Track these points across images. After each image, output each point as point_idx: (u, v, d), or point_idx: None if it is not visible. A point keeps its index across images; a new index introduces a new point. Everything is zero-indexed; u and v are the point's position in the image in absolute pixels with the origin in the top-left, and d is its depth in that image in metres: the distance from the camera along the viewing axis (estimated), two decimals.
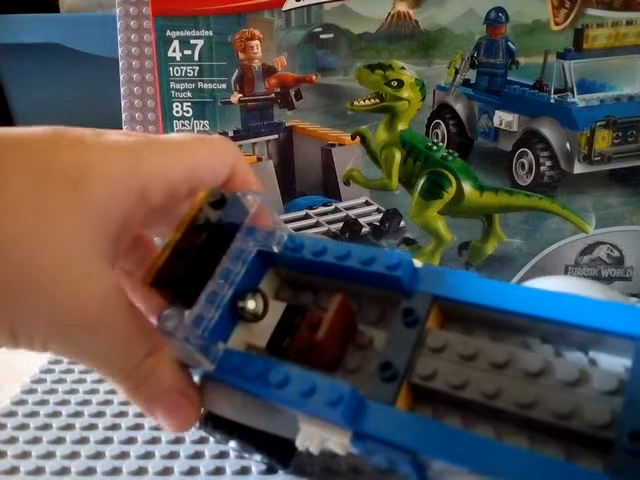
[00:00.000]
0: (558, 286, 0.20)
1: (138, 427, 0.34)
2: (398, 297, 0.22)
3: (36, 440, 0.33)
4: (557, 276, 0.46)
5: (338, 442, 0.20)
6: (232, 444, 0.29)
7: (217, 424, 0.26)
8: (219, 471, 0.30)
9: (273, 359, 0.23)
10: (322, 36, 0.46)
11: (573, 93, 0.45)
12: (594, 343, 0.19)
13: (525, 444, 0.18)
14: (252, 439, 0.26)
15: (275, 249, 0.24)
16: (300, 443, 0.21)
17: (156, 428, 0.33)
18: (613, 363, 0.19)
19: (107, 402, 0.36)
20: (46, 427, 0.34)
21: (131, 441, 0.33)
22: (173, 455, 0.31)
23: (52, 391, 0.37)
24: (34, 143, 0.20)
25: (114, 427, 0.34)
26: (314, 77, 0.47)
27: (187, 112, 0.47)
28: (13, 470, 0.31)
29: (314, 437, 0.20)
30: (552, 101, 0.46)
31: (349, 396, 0.19)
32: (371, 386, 0.20)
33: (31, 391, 0.37)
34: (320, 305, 0.25)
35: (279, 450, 0.27)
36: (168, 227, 0.23)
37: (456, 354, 0.20)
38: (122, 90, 0.48)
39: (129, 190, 0.22)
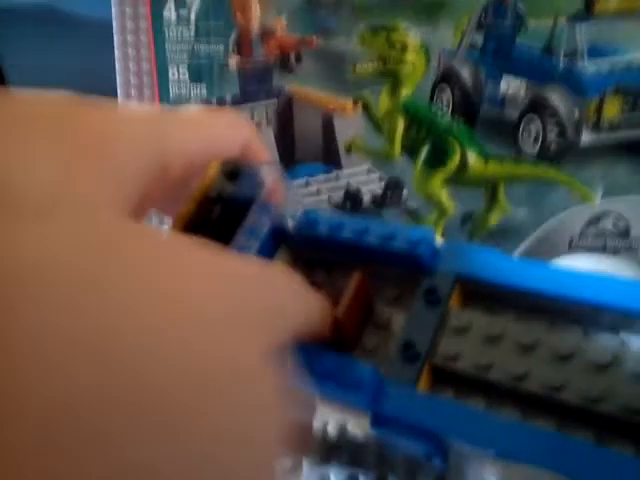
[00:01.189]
0: (586, 265, 0.20)
1: None
2: (417, 276, 0.21)
3: None
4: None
5: (358, 424, 0.19)
6: None
7: None
8: None
9: None
10: None
11: (583, 58, 0.44)
12: (625, 325, 0.19)
13: (553, 429, 0.18)
14: None
15: (289, 224, 0.23)
16: (318, 425, 0.20)
17: None
18: None
19: None
20: None
21: None
22: None
23: None
24: (53, 106, 0.20)
25: None
26: (314, 39, 0.45)
27: (183, 74, 0.46)
28: None
29: (333, 418, 0.20)
30: (561, 66, 0.44)
31: (370, 377, 0.18)
32: (392, 367, 0.19)
33: None
34: (335, 284, 0.24)
35: None
36: (176, 205, 0.23)
37: (480, 335, 0.20)
38: (116, 53, 0.47)
39: (150, 158, 0.21)
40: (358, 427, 0.19)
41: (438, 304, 0.20)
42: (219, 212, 0.22)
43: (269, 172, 0.23)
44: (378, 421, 0.18)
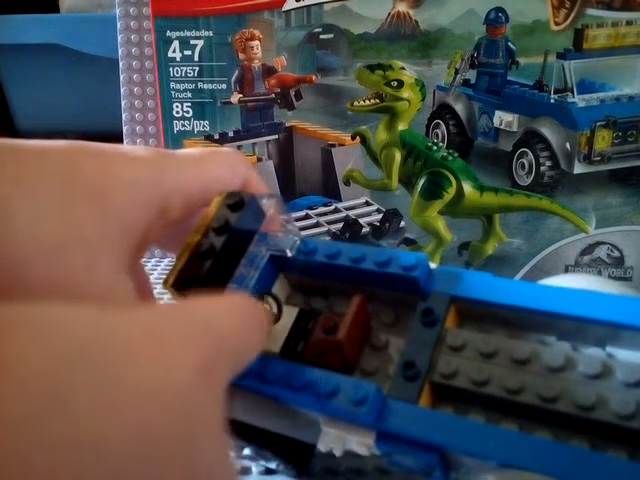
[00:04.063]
0: (574, 284, 0.20)
1: None
2: (413, 299, 0.22)
3: None
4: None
5: (362, 442, 0.19)
6: (247, 450, 0.29)
7: (234, 429, 0.26)
8: None
9: (291, 362, 0.22)
10: (322, 36, 0.46)
11: (573, 93, 0.45)
12: (611, 338, 0.19)
13: (549, 438, 0.18)
14: (269, 444, 0.26)
15: (288, 253, 0.24)
16: (322, 446, 0.20)
17: None
18: (633, 357, 0.19)
19: None
20: None
21: None
22: None
23: None
24: (58, 154, 0.21)
25: None
26: (314, 77, 0.47)
27: (187, 112, 0.47)
28: None
29: (337, 439, 0.20)
30: (552, 101, 0.46)
31: (374, 395, 0.19)
32: (393, 386, 0.20)
33: None
34: (333, 310, 0.25)
35: (297, 455, 0.27)
36: (176, 243, 0.24)
37: (476, 352, 0.20)
38: (122, 90, 0.48)
39: (151, 201, 0.22)
40: (362, 445, 0.19)
41: (435, 324, 0.21)
42: (225, 241, 0.22)
43: (269, 204, 0.24)
44: (382, 438, 0.19)
